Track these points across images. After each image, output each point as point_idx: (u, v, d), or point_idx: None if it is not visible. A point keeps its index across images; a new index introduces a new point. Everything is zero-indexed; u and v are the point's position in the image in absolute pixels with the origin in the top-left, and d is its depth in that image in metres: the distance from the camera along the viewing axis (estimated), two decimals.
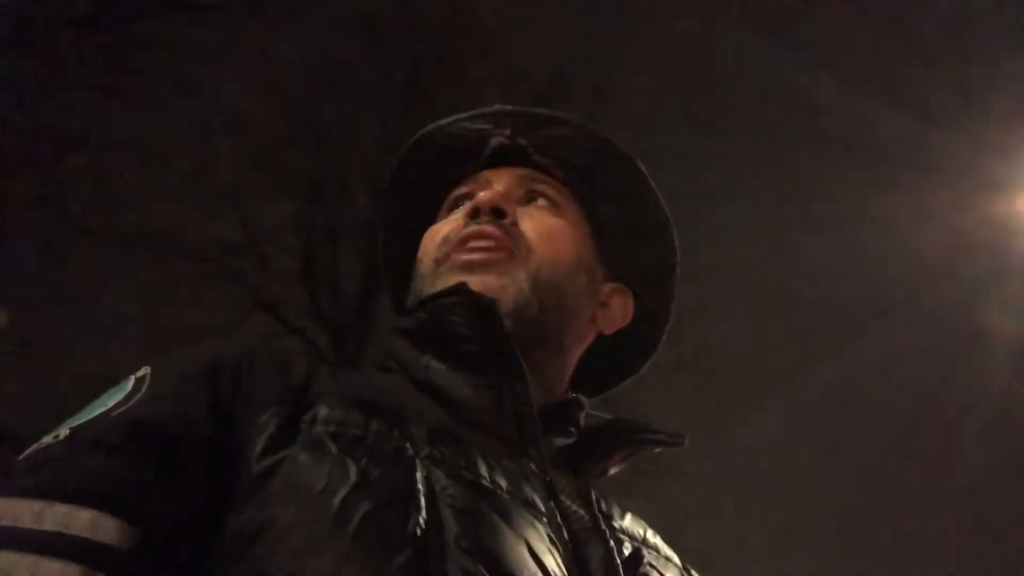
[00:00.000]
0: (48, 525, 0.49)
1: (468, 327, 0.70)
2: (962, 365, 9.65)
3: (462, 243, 0.79)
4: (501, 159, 0.90)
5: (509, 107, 0.90)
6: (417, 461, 0.57)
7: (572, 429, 0.77)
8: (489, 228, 0.79)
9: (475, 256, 0.78)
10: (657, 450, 0.82)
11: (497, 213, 0.80)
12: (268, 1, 7.41)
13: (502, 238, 0.78)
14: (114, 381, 0.64)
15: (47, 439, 0.56)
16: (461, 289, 0.72)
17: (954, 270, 8.35)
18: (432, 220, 0.90)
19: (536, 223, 0.82)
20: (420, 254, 0.85)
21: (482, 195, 0.82)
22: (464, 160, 0.91)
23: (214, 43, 7.33)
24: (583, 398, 0.80)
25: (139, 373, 0.63)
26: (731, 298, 9.45)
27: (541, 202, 0.86)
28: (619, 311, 0.90)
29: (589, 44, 8.81)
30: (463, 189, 0.89)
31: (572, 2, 9.20)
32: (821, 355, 10.31)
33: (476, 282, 0.74)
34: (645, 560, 0.68)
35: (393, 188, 0.97)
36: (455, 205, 0.89)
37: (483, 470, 0.60)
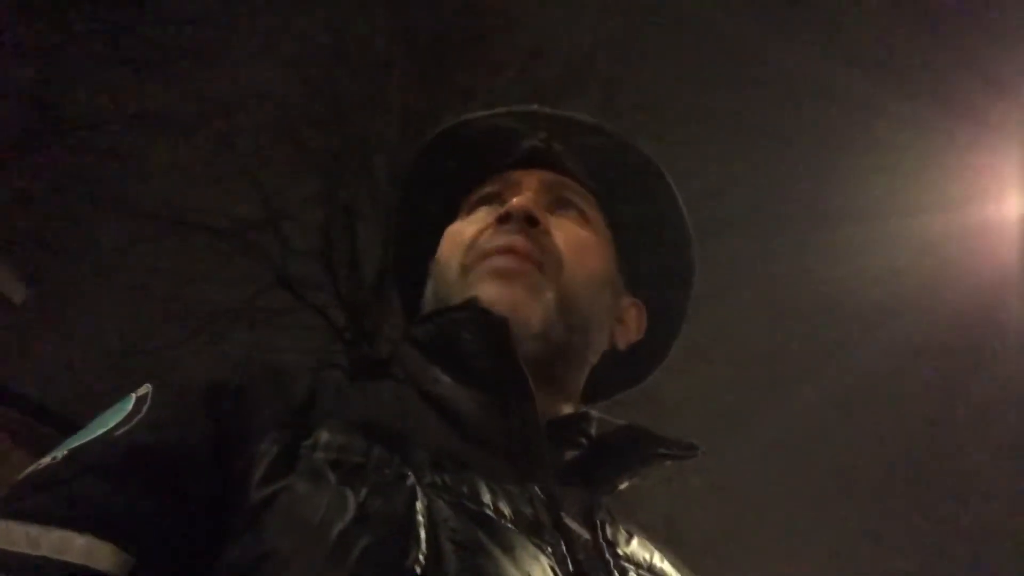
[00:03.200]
0: (44, 550, 0.48)
1: (477, 344, 0.69)
2: (983, 360, 9.57)
3: (493, 253, 0.77)
4: (530, 161, 0.87)
5: (547, 109, 0.87)
6: (418, 490, 0.56)
7: (583, 440, 0.75)
8: (520, 240, 0.76)
9: (506, 263, 0.75)
10: (668, 463, 0.80)
11: (530, 221, 0.78)
12: None
13: (533, 250, 0.76)
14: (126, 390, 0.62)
15: (45, 460, 0.56)
16: (472, 305, 0.71)
17: (976, 262, 8.25)
18: (450, 214, 0.89)
19: (567, 235, 0.80)
20: (442, 254, 0.83)
21: (516, 201, 0.79)
22: (492, 157, 0.88)
23: (237, 18, 7.35)
24: (592, 411, 0.79)
25: (140, 392, 0.62)
26: (751, 289, 9.40)
27: (571, 212, 0.84)
28: (635, 326, 0.89)
29: (610, 25, 8.72)
30: (489, 188, 0.87)
31: None
32: (841, 348, 10.26)
33: (505, 294, 0.72)
34: None
35: (413, 177, 0.94)
36: (480, 203, 0.86)
37: (486, 497, 0.59)
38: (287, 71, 8.04)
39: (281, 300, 8.13)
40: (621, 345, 0.87)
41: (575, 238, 0.81)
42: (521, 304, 0.73)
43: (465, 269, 0.78)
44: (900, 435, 11.25)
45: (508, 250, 0.76)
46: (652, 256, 0.91)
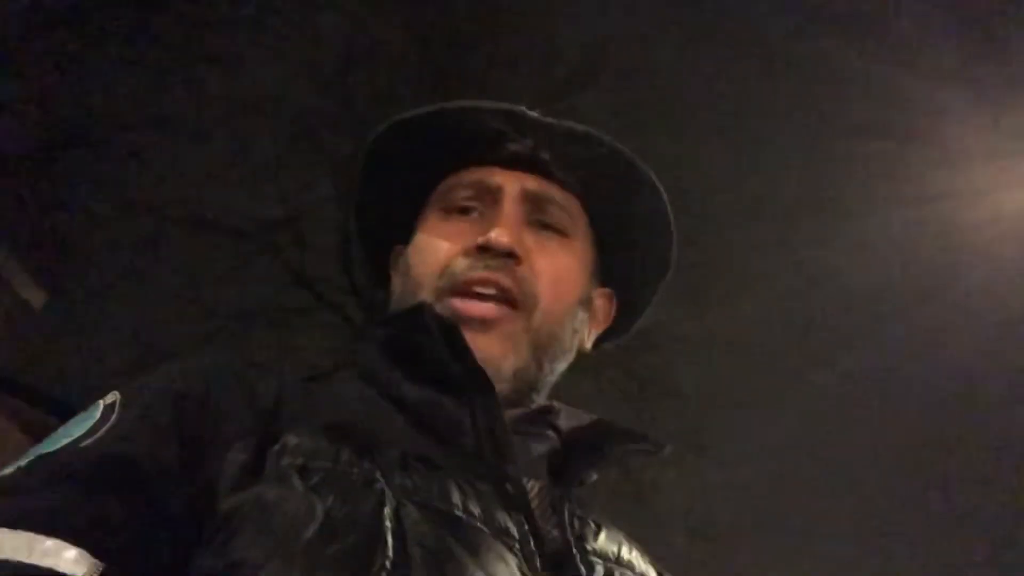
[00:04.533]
0: (9, 553, 0.48)
1: (434, 348, 0.68)
2: (1004, 348, 9.48)
3: (468, 286, 0.75)
4: (515, 162, 0.84)
5: (535, 115, 0.83)
6: (387, 494, 0.56)
7: (550, 433, 0.76)
8: (498, 277, 0.75)
9: (480, 310, 0.74)
10: (637, 458, 0.80)
11: (509, 256, 0.76)
12: None
13: (510, 289, 0.75)
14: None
15: (9, 469, 0.55)
16: (422, 309, 0.70)
17: (993, 251, 8.17)
18: (418, 198, 0.86)
19: (545, 264, 0.78)
20: (415, 264, 0.80)
21: (496, 235, 0.76)
22: (474, 151, 0.84)
23: (253, 22, 7.40)
24: (556, 404, 0.79)
25: (107, 400, 0.62)
26: (770, 278, 9.36)
27: (552, 232, 0.81)
28: (602, 316, 0.89)
29: (623, 22, 8.72)
30: (467, 191, 0.83)
31: None
32: (859, 336, 10.20)
33: (479, 345, 0.70)
34: None
35: (379, 158, 0.89)
36: (457, 210, 0.82)
37: (456, 497, 0.59)
38: (303, 73, 8.09)
39: (300, 299, 8.19)
40: (588, 343, 0.86)
41: (554, 269, 0.79)
42: (497, 357, 0.72)
43: (440, 294, 0.76)
44: (917, 423, 11.17)
45: (486, 282, 0.75)
46: (630, 254, 0.90)
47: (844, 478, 11.51)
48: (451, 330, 0.68)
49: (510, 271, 0.75)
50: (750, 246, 8.95)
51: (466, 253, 0.77)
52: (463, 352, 0.68)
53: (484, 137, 0.83)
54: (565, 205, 0.84)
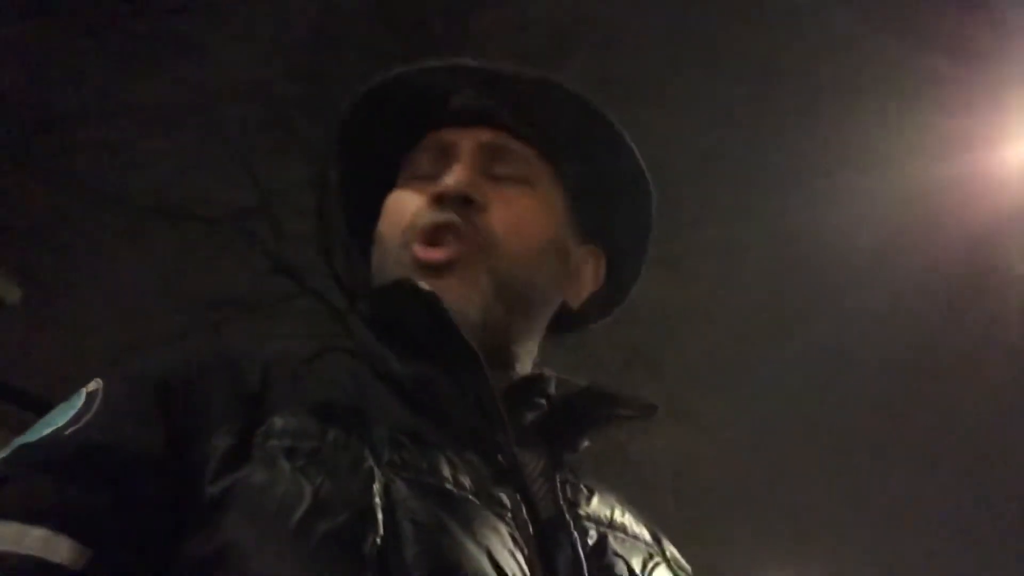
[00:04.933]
0: None
1: (417, 321, 0.69)
2: (971, 309, 9.59)
3: (425, 234, 0.75)
4: (466, 118, 0.83)
5: (470, 62, 0.82)
6: (376, 472, 0.56)
7: (542, 401, 0.75)
8: (454, 219, 0.75)
9: (436, 255, 0.74)
10: (628, 422, 0.79)
11: (464, 200, 0.76)
12: None
13: (466, 231, 0.75)
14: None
15: None
16: (402, 283, 0.71)
17: (975, 209, 8.23)
18: (389, 177, 0.86)
19: (505, 207, 0.77)
20: (383, 228, 0.81)
21: (448, 181, 0.77)
22: (424, 115, 0.84)
23: (219, 6, 7.31)
24: (548, 371, 0.78)
25: (90, 387, 0.61)
26: (747, 241, 9.40)
27: (510, 178, 0.80)
28: (591, 277, 0.88)
29: None
30: (425, 154, 0.83)
31: None
32: (833, 298, 10.27)
33: (437, 288, 0.70)
34: (610, 548, 0.67)
35: (344, 141, 0.90)
36: (417, 175, 0.82)
37: (446, 471, 0.59)
38: (272, 57, 8.00)
39: (281, 287, 8.16)
40: (575, 302, 0.86)
41: (513, 210, 0.78)
42: (457, 300, 0.72)
43: (401, 248, 0.77)
44: (896, 384, 11.32)
45: (444, 227, 0.75)
46: (607, 205, 0.88)
47: (825, 441, 11.66)
48: (433, 303, 0.68)
49: (465, 215, 0.75)
50: (727, 212, 8.98)
51: (426, 206, 0.77)
52: (447, 325, 0.67)
53: (432, 96, 0.83)
54: (523, 154, 0.82)
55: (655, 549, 0.75)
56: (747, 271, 9.85)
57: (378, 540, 0.51)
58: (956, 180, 7.98)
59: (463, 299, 0.72)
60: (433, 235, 0.75)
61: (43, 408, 0.62)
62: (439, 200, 0.76)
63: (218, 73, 7.48)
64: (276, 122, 8.07)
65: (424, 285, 0.69)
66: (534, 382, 0.76)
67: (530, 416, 0.73)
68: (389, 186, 0.84)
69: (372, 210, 0.86)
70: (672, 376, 8.48)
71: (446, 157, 0.81)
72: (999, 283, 8.70)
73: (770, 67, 9.21)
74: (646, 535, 0.76)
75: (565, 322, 0.89)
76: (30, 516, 0.49)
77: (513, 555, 0.57)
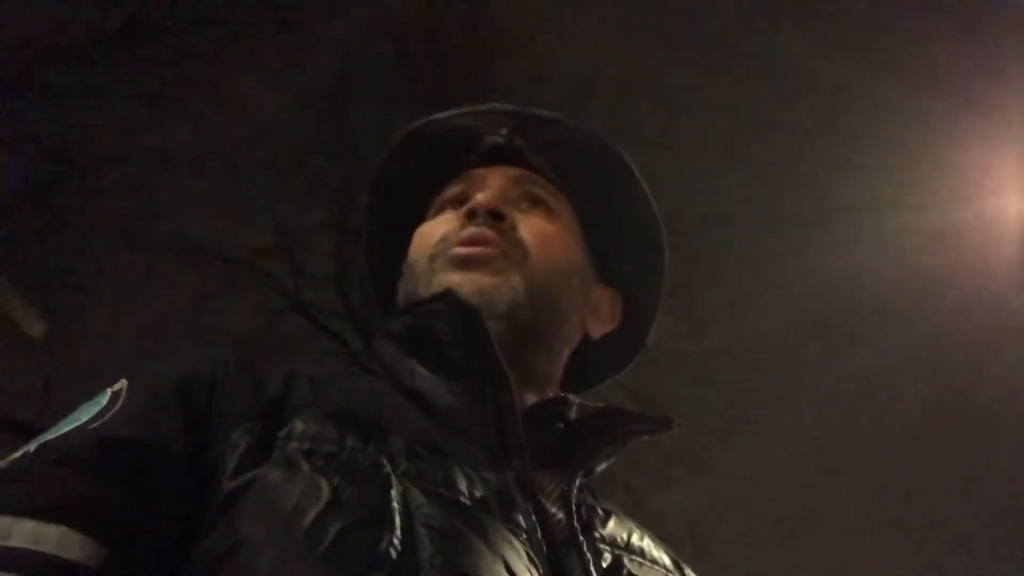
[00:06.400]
0: (16, 541, 0.48)
1: (452, 334, 0.70)
2: (994, 356, 9.48)
3: (462, 241, 0.78)
4: (494, 158, 0.88)
5: (507, 106, 0.88)
6: (393, 478, 0.56)
7: (561, 425, 0.75)
8: (487, 231, 0.78)
9: (471, 251, 0.77)
10: (645, 437, 0.80)
11: (495, 216, 0.79)
12: (294, 13, 7.53)
13: (499, 241, 0.78)
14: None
15: (16, 455, 0.55)
16: (446, 295, 0.72)
17: (978, 258, 8.19)
18: (419, 218, 0.89)
19: (532, 228, 0.81)
20: (413, 253, 0.84)
21: (480, 197, 0.80)
22: (455, 157, 0.89)
23: (245, 54, 7.47)
24: (571, 396, 0.79)
25: (115, 387, 0.62)
26: (754, 284, 9.38)
27: (537, 207, 0.85)
28: (608, 315, 0.90)
29: (614, 41, 8.79)
30: (456, 188, 0.87)
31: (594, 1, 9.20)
32: (850, 345, 10.19)
33: (471, 279, 0.74)
34: (625, 571, 0.67)
35: (380, 182, 0.95)
36: (447, 204, 0.87)
37: (462, 485, 0.59)
38: (296, 105, 8.15)
39: (298, 327, 8.20)
40: (595, 334, 0.88)
41: (539, 230, 0.81)
42: (487, 287, 0.75)
43: (432, 259, 0.79)
44: (907, 430, 11.16)
45: (476, 238, 0.78)
46: (622, 247, 0.91)
47: (845, 489, 11.48)
48: (472, 317, 0.69)
49: (497, 228, 0.79)
50: (743, 257, 8.98)
51: (457, 223, 0.81)
52: (482, 340, 0.68)
53: (463, 136, 0.88)
54: (547, 190, 0.87)
55: (675, 575, 0.76)
56: (764, 318, 9.81)
57: (394, 541, 0.51)
58: (964, 228, 7.96)
59: (494, 290, 0.75)
60: (470, 240, 0.78)
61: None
62: (471, 215, 0.80)
63: (243, 119, 7.62)
64: (298, 166, 8.19)
65: (470, 300, 0.71)
66: (555, 404, 0.77)
67: (548, 437, 0.73)
68: (410, 229, 0.88)
69: (392, 252, 0.90)
70: (689, 424, 8.41)
71: (475, 190, 0.85)
72: (1005, 332, 8.62)
73: (782, 116, 9.27)
74: (666, 561, 0.75)
75: (591, 370, 0.92)
76: (47, 513, 0.50)
77: (529, 571, 0.56)
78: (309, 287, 8.19)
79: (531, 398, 0.77)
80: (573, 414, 0.77)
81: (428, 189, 0.90)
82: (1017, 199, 7.30)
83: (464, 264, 0.76)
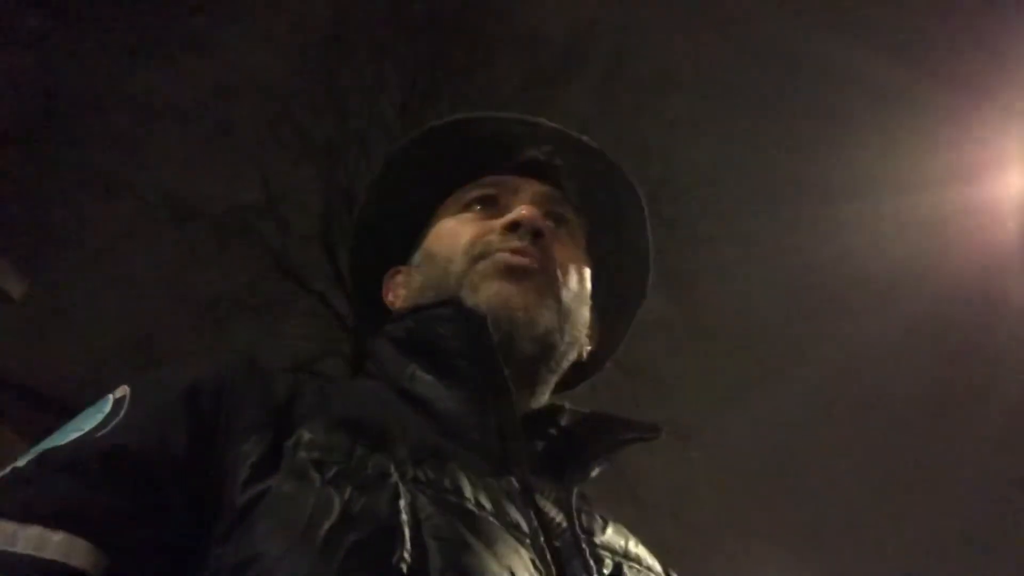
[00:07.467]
0: (21, 547, 0.48)
1: (458, 341, 0.71)
2: (983, 337, 9.57)
3: (513, 250, 0.78)
4: (526, 170, 0.89)
5: (553, 125, 0.90)
6: (401, 487, 0.57)
7: (553, 432, 0.77)
8: (533, 249, 0.79)
9: (523, 261, 0.78)
10: (635, 444, 0.81)
11: (536, 234, 0.80)
12: None
13: (542, 259, 0.79)
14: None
15: (20, 461, 0.55)
16: (453, 303, 0.74)
17: (976, 239, 8.23)
18: (420, 204, 0.91)
19: (564, 252, 0.83)
20: (439, 248, 0.84)
21: (526, 212, 0.81)
22: (491, 157, 0.90)
23: (234, 5, 7.33)
24: (566, 403, 0.80)
25: (117, 394, 0.62)
26: (751, 266, 9.42)
27: (559, 227, 0.86)
28: (595, 338, 0.92)
29: (610, 7, 8.69)
30: (485, 191, 0.88)
31: None
32: (842, 327, 10.27)
33: (521, 290, 0.75)
34: None
35: (399, 161, 0.94)
36: (473, 203, 0.87)
37: (467, 491, 0.60)
38: (285, 57, 8.02)
39: (283, 287, 8.15)
40: (584, 355, 0.89)
41: (572, 256, 0.84)
42: (532, 305, 0.76)
43: (473, 261, 0.79)
44: (898, 412, 11.30)
45: (522, 253, 0.78)
46: (614, 285, 0.94)
47: (829, 465, 11.62)
48: (482, 326, 0.70)
49: (539, 247, 0.80)
50: (735, 234, 8.99)
51: (496, 231, 0.81)
52: (488, 350, 0.70)
53: (505, 142, 0.89)
54: (572, 213, 0.90)
55: None
56: (754, 293, 9.85)
57: (404, 555, 0.51)
58: (962, 209, 7.99)
59: (537, 309, 0.76)
60: (522, 252, 0.78)
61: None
62: (513, 228, 0.80)
63: (230, 71, 7.51)
64: (286, 121, 8.09)
65: (477, 308, 0.73)
66: (551, 413, 0.78)
67: (540, 445, 0.75)
68: (409, 213, 0.90)
69: (387, 229, 0.92)
70: (674, 397, 8.46)
71: (507, 197, 0.86)
72: (1012, 311, 8.69)
73: (778, 95, 9.25)
74: (659, 568, 0.77)
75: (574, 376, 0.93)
76: (52, 520, 0.50)
77: None
78: (295, 246, 8.13)
79: (528, 406, 0.78)
80: (564, 420, 0.78)
81: (451, 181, 0.91)
82: (1017, 178, 7.32)
83: (512, 274, 0.77)
